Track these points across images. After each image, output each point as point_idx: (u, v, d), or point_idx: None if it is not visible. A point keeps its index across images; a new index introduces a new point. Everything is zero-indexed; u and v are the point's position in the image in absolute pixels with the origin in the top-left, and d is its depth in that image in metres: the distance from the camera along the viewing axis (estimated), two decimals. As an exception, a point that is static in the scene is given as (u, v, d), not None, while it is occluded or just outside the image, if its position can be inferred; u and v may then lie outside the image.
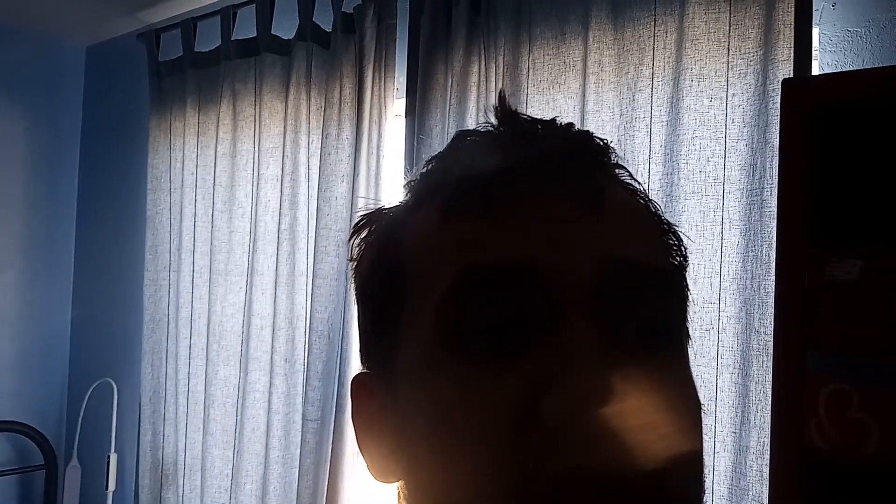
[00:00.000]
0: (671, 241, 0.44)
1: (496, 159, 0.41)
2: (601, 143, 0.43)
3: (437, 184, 0.43)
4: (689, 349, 0.43)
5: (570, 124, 0.43)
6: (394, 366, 0.42)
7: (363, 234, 0.46)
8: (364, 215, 0.46)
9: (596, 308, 0.36)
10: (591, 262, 0.37)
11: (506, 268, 0.37)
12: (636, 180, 0.44)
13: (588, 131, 0.43)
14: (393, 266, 0.42)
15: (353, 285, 0.47)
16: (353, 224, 0.47)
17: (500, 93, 0.45)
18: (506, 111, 0.43)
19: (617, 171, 0.44)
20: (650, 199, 0.45)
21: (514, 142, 0.42)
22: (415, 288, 0.41)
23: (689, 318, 0.43)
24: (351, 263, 0.47)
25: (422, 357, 0.39)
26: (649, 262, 0.40)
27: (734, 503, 1.20)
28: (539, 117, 0.43)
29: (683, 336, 0.42)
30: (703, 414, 0.41)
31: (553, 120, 0.43)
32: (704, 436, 0.42)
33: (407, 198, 0.45)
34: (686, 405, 0.40)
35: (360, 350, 0.47)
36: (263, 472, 1.95)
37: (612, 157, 0.44)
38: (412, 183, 0.45)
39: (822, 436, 0.91)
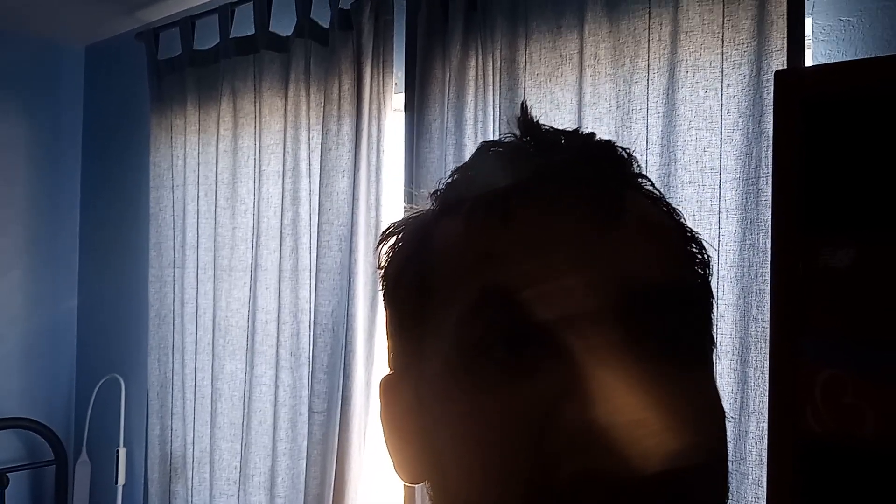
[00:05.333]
0: (694, 250, 0.44)
1: (517, 171, 0.41)
2: (623, 153, 0.43)
3: (460, 194, 0.43)
4: (712, 357, 0.43)
5: (592, 134, 0.44)
6: (420, 369, 0.43)
7: (391, 242, 0.47)
8: (391, 224, 0.48)
9: (615, 322, 0.37)
10: (611, 274, 0.38)
11: (525, 281, 0.38)
12: (658, 189, 0.45)
13: (610, 140, 0.43)
14: (419, 274, 0.44)
15: (380, 290, 0.48)
16: (380, 232, 0.48)
17: (523, 104, 0.45)
18: (528, 122, 0.43)
19: (639, 179, 0.44)
20: (673, 208, 0.44)
21: (536, 152, 0.43)
22: (440, 295, 0.42)
23: (712, 326, 0.43)
24: (379, 270, 0.48)
25: (446, 362, 0.40)
26: (670, 273, 0.40)
27: (735, 487, 1.22)
28: (559, 124, 0.44)
29: (706, 344, 0.42)
30: (727, 422, 0.42)
31: (576, 130, 0.44)
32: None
33: (433, 207, 0.46)
34: (705, 413, 0.40)
35: (388, 353, 0.48)
36: (271, 464, 1.98)
37: (634, 165, 0.44)
38: (437, 192, 0.46)
39: (818, 421, 0.93)
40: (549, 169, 0.41)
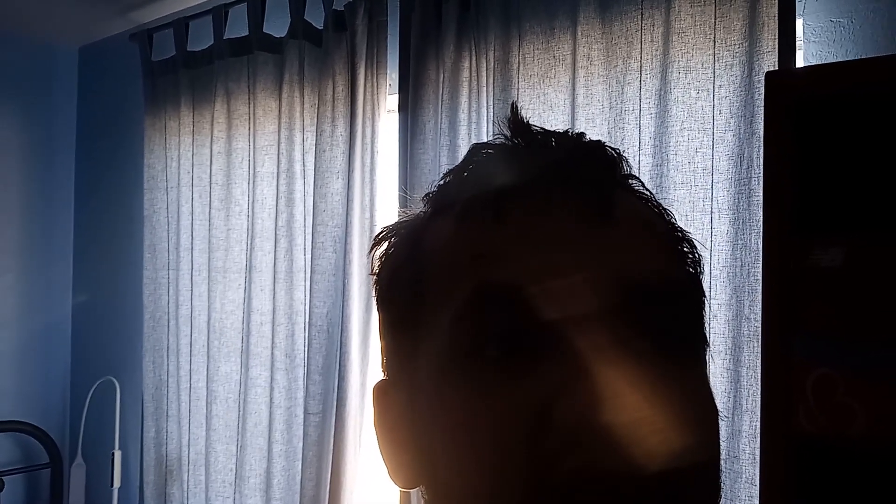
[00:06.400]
0: (685, 249, 0.44)
1: (509, 171, 0.41)
2: (613, 153, 0.43)
3: (452, 196, 0.43)
4: (705, 355, 0.43)
5: (582, 134, 0.44)
6: (413, 372, 0.43)
7: (383, 246, 0.47)
8: (384, 227, 0.48)
9: (609, 319, 0.37)
10: (603, 273, 0.38)
11: (518, 280, 0.38)
12: (648, 190, 0.45)
13: (600, 141, 0.44)
14: (411, 277, 0.44)
15: (374, 295, 0.48)
16: (374, 234, 0.48)
17: (513, 105, 0.45)
18: (518, 123, 0.44)
19: (629, 180, 0.44)
20: (663, 208, 0.45)
21: (527, 153, 0.43)
22: (433, 297, 0.42)
23: (704, 325, 0.44)
24: (372, 275, 0.48)
25: (439, 365, 0.40)
26: (661, 271, 0.40)
27: (728, 485, 1.23)
28: (552, 125, 0.44)
29: (698, 342, 0.42)
30: (720, 420, 0.42)
31: (566, 131, 0.44)
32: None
33: (425, 210, 0.46)
34: (699, 410, 0.40)
35: (381, 357, 0.48)
36: (267, 465, 1.98)
37: (624, 166, 0.44)
38: (430, 195, 0.46)
39: (810, 420, 0.93)
40: (540, 169, 0.41)
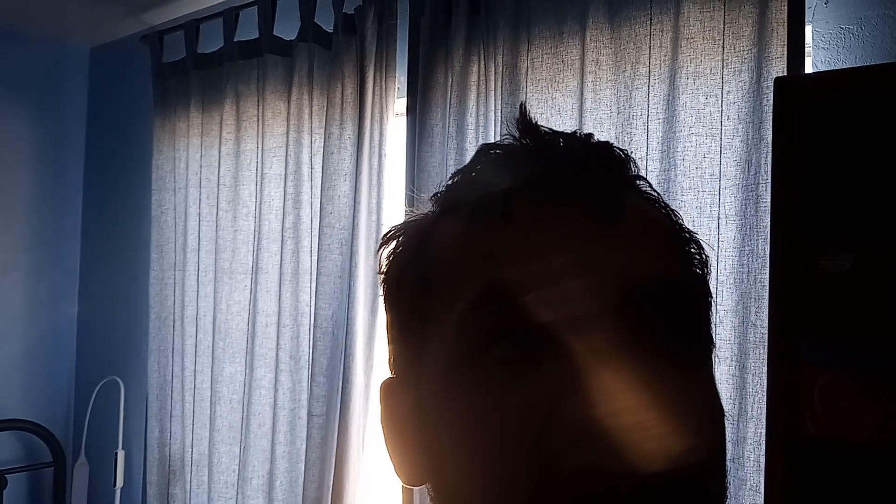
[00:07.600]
0: (692, 250, 0.44)
1: (517, 172, 0.41)
2: (621, 154, 0.43)
3: (461, 196, 0.44)
4: (712, 356, 0.43)
5: (590, 135, 0.44)
6: (421, 371, 0.44)
7: (391, 245, 0.47)
8: (392, 227, 0.48)
9: (614, 319, 0.37)
10: (611, 273, 0.38)
11: (525, 280, 0.38)
12: (656, 190, 0.45)
13: (608, 142, 0.44)
14: (420, 276, 0.44)
15: (381, 293, 0.48)
16: (381, 236, 0.48)
17: (522, 106, 0.45)
18: (527, 124, 0.44)
19: (637, 181, 0.44)
20: (671, 209, 0.45)
21: (536, 153, 0.43)
22: (441, 296, 0.42)
23: (711, 326, 0.44)
24: (380, 274, 0.48)
25: (448, 362, 0.41)
26: (669, 272, 0.41)
27: (733, 493, 1.22)
28: (560, 129, 0.44)
29: (705, 343, 0.43)
30: (726, 420, 0.42)
31: (574, 132, 0.44)
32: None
33: (433, 210, 0.46)
34: (704, 411, 0.40)
35: (389, 356, 0.48)
36: (270, 467, 1.98)
37: (632, 167, 0.44)
38: (438, 195, 0.47)
39: (816, 426, 0.93)
40: (549, 170, 0.41)
